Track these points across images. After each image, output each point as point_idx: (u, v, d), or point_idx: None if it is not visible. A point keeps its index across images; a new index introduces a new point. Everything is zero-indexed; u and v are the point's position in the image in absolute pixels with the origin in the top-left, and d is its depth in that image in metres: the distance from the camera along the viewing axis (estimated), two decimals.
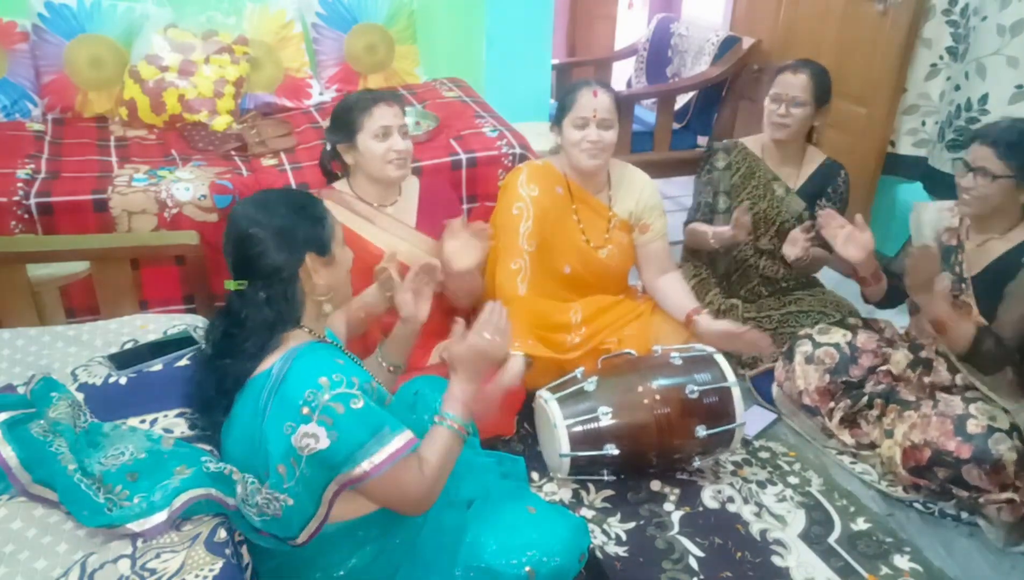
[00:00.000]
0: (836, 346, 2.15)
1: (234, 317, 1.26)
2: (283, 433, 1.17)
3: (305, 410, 1.15)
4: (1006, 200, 1.88)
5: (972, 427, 1.82)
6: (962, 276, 1.99)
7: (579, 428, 1.88)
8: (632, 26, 5.31)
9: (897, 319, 2.31)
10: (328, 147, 2.08)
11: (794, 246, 2.27)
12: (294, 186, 2.36)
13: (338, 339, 1.49)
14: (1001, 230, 1.93)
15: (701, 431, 1.88)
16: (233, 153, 2.58)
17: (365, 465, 1.18)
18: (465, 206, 2.57)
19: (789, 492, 2.00)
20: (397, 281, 1.72)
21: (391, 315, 1.77)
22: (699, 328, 2.13)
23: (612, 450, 1.87)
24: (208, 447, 1.33)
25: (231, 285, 1.27)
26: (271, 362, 1.23)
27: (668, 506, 1.94)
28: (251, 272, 1.26)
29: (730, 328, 2.09)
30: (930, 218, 2.10)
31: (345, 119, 1.98)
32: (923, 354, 2.10)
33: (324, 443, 1.15)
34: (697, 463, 2.04)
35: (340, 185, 2.11)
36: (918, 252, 1.94)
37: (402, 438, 1.21)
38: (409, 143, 2.02)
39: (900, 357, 2.12)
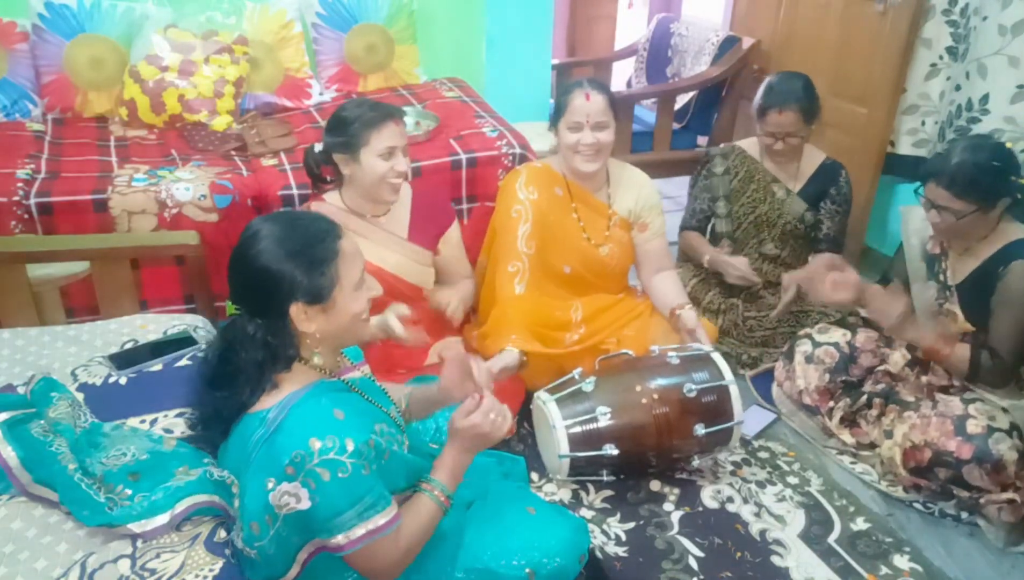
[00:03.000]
0: (836, 345, 2.15)
1: (228, 344, 1.22)
2: (263, 488, 1.12)
3: (290, 470, 1.11)
4: (977, 225, 1.84)
5: (972, 427, 1.81)
6: (947, 284, 1.97)
7: (578, 429, 1.87)
8: (632, 26, 5.32)
9: None
10: (317, 149, 1.98)
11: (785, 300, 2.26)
12: (294, 187, 2.36)
13: (358, 353, 1.44)
14: (978, 239, 1.89)
15: (700, 430, 1.88)
16: (233, 153, 2.59)
17: (340, 538, 1.14)
18: (465, 206, 2.58)
19: (789, 492, 2.00)
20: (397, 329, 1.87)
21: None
22: (680, 322, 2.14)
23: (611, 450, 1.87)
24: (208, 448, 1.33)
25: (230, 308, 1.23)
26: (269, 403, 1.19)
27: (668, 506, 1.94)
28: (240, 300, 1.22)
29: (704, 334, 2.13)
30: (916, 226, 2.07)
31: (350, 130, 1.89)
32: (920, 354, 2.09)
33: (304, 504, 1.11)
34: (696, 462, 2.04)
35: (331, 197, 2.04)
36: (876, 300, 1.94)
37: (384, 516, 1.17)
38: (407, 163, 1.98)
39: (898, 357, 2.11)
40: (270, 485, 1.12)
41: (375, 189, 1.96)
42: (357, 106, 1.94)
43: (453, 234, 2.19)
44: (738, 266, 2.42)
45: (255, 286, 1.17)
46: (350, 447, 1.13)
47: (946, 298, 1.98)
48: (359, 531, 1.14)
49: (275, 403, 1.18)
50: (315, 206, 2.02)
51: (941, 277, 1.99)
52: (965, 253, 1.93)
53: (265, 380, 1.19)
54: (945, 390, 2.00)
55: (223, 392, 1.20)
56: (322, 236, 1.20)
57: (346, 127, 1.90)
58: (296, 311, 1.17)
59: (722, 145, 2.64)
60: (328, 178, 2.05)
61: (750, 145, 2.56)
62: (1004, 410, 1.85)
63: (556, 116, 2.17)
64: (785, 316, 2.48)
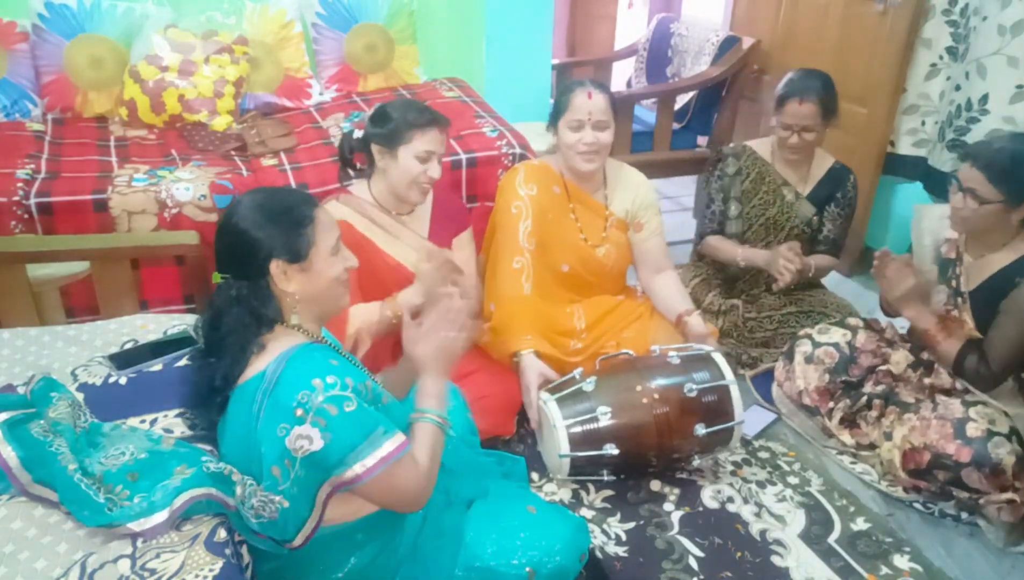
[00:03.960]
0: (836, 346, 2.15)
1: (215, 310, 1.27)
2: (277, 435, 1.17)
3: (299, 412, 1.15)
4: (996, 221, 1.84)
5: (972, 431, 1.81)
6: (959, 290, 1.97)
7: (578, 428, 1.87)
8: (632, 26, 5.32)
9: (899, 320, 2.30)
10: (357, 135, 2.02)
11: (785, 272, 2.28)
12: (294, 186, 2.36)
13: (336, 341, 1.49)
14: (996, 246, 1.90)
15: (700, 429, 1.88)
16: (233, 153, 2.58)
17: (357, 468, 1.18)
18: (465, 206, 2.57)
19: (789, 492, 2.00)
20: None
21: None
22: (687, 329, 2.14)
23: (612, 450, 1.87)
24: (208, 447, 1.33)
25: (216, 277, 1.28)
26: (264, 364, 1.23)
27: (668, 506, 1.94)
28: (225, 266, 1.27)
29: (710, 339, 2.13)
30: (930, 226, 2.07)
31: (396, 125, 1.93)
32: (924, 355, 2.09)
33: (318, 444, 1.16)
34: (697, 462, 2.04)
35: (359, 188, 2.07)
36: (890, 266, 1.94)
37: (394, 441, 1.22)
38: (441, 170, 2.00)
39: (900, 357, 2.11)
40: (282, 431, 1.16)
41: (404, 188, 1.99)
42: (407, 105, 2.01)
43: (466, 237, 2.20)
44: (777, 253, 2.33)
45: (237, 248, 1.25)
46: (351, 383, 1.19)
47: (957, 305, 1.97)
48: (373, 459, 1.19)
49: (269, 362, 1.23)
50: (342, 198, 2.04)
51: (953, 282, 1.98)
52: (981, 259, 1.93)
53: (251, 341, 1.25)
54: (947, 392, 2.00)
55: (215, 358, 1.26)
56: (298, 203, 1.29)
57: (392, 121, 1.94)
58: (276, 269, 1.25)
59: (732, 145, 2.62)
60: (357, 165, 2.09)
61: (761, 146, 2.55)
62: (1006, 414, 1.85)
63: (556, 115, 2.16)
64: (785, 317, 2.48)
